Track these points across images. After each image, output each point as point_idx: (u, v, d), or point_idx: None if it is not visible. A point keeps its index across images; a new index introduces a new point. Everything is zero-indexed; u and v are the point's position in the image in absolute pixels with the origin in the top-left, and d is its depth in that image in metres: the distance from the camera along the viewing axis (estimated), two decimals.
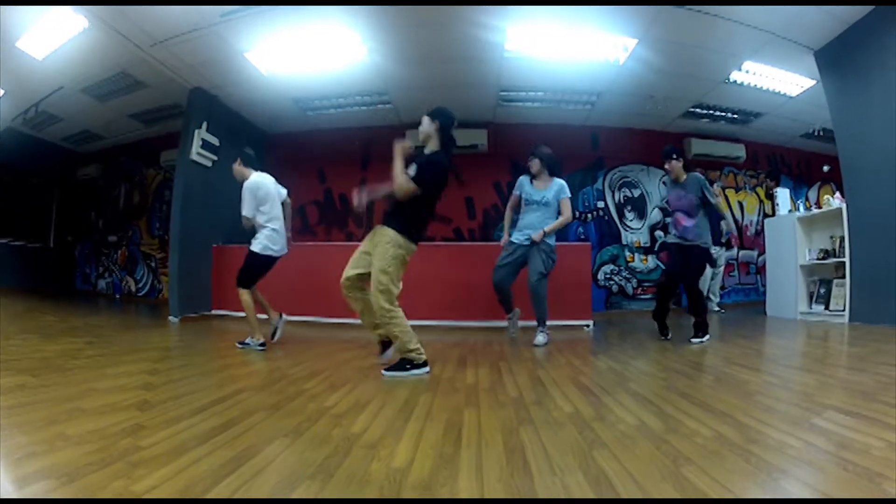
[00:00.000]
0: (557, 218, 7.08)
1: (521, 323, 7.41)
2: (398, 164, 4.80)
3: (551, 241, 7.08)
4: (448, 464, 2.34)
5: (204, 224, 10.42)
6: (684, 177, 7.09)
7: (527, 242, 7.04)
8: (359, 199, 5.05)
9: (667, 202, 7.36)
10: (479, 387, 4.16)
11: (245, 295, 6.59)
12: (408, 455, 2.46)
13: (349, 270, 5.09)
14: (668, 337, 7.06)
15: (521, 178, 7.36)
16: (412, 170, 4.91)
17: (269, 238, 6.63)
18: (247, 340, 6.42)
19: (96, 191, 15.68)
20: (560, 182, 7.22)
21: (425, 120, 5.16)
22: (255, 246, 6.60)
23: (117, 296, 14.82)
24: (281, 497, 1.98)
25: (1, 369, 4.21)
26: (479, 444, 2.64)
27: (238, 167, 6.80)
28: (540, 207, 7.14)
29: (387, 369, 4.75)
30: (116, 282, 15.08)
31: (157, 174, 14.53)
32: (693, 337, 6.73)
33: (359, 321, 5.42)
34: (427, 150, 5.13)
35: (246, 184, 6.61)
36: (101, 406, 3.21)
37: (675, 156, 7.10)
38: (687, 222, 7.01)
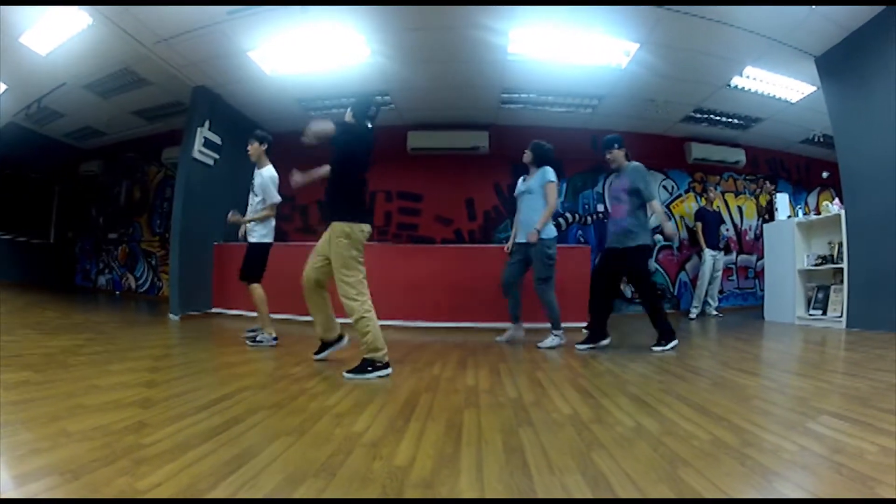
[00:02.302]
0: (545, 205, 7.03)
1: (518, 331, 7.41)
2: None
3: (546, 234, 7.00)
4: (449, 463, 2.37)
5: (205, 222, 10.44)
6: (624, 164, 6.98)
7: (523, 241, 7.11)
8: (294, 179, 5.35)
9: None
10: (478, 388, 4.19)
11: (259, 289, 6.76)
12: (409, 454, 2.48)
13: (308, 271, 5.19)
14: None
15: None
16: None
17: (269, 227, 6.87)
18: (259, 338, 6.52)
19: (97, 187, 15.71)
20: (545, 168, 7.22)
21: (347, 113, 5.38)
22: (255, 237, 6.77)
23: (117, 293, 14.83)
24: (284, 495, 2.00)
25: (4, 364, 4.23)
26: (480, 443, 2.67)
27: (259, 148, 6.90)
28: (524, 197, 7.25)
29: (348, 371, 4.68)
30: (116, 279, 15.10)
31: (159, 171, 14.56)
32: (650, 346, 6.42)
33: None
34: None
35: (268, 172, 6.80)
36: (104, 403, 3.23)
37: (616, 145, 6.94)
38: (618, 216, 6.82)
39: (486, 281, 9.13)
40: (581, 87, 10.59)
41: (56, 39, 8.82)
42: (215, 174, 10.63)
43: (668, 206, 13.15)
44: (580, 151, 12.41)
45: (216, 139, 10.38)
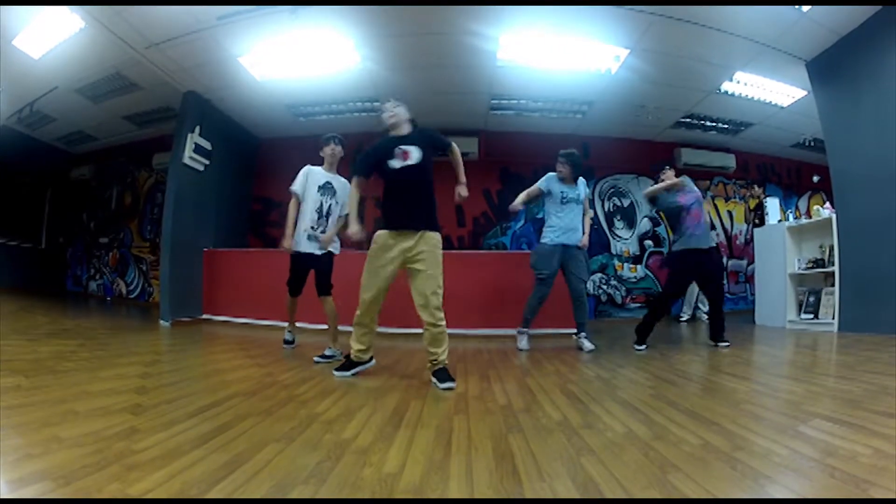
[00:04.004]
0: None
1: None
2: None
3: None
4: (438, 469, 2.38)
5: (195, 228, 10.42)
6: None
7: (570, 243, 7.34)
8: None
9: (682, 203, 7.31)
10: (468, 394, 4.20)
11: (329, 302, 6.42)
12: (399, 460, 2.49)
13: (381, 294, 4.90)
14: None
15: (550, 174, 7.52)
16: (416, 152, 4.85)
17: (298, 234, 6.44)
18: (326, 352, 6.14)
19: (88, 192, 15.67)
20: (582, 180, 7.57)
21: (399, 105, 5.19)
22: (335, 247, 6.54)
23: (108, 298, 14.78)
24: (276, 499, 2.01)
25: None
26: (469, 450, 2.68)
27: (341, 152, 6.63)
28: (572, 206, 7.40)
29: (441, 381, 4.55)
30: (107, 284, 15.05)
31: (150, 176, 14.53)
32: (722, 341, 7.18)
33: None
34: (401, 132, 5.07)
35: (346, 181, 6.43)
36: (95, 409, 3.23)
37: (667, 167, 7.46)
38: (702, 219, 7.27)
39: (473, 287, 9.12)
40: (571, 92, 10.60)
41: (49, 43, 8.80)
42: (206, 180, 10.61)
43: (657, 212, 13.18)
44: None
45: (206, 145, 10.36)
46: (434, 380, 4.59)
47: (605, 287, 12.80)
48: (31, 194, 15.20)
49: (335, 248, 6.49)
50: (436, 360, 4.73)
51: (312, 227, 6.32)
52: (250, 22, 7.89)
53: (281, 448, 2.64)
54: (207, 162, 10.49)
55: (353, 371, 4.97)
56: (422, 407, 3.69)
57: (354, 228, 4.88)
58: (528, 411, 3.56)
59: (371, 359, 5.16)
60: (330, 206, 6.35)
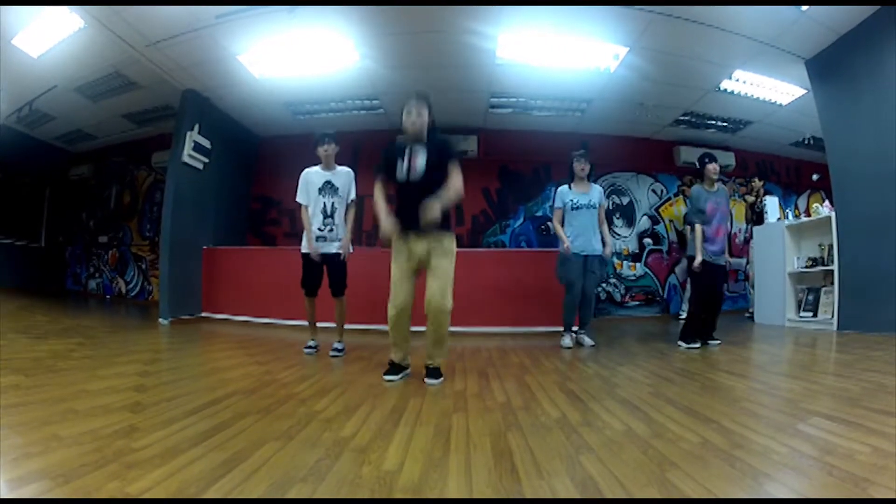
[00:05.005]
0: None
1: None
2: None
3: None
4: (437, 467, 2.38)
5: (194, 226, 10.40)
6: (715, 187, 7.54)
7: (592, 252, 7.41)
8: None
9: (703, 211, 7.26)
10: (467, 392, 4.20)
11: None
12: (398, 458, 2.50)
13: (407, 298, 4.86)
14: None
15: (560, 189, 7.65)
16: (422, 157, 4.74)
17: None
18: (337, 345, 6.40)
19: (88, 191, 15.62)
20: (598, 188, 7.73)
21: (424, 108, 4.82)
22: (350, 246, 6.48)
23: (107, 297, 14.76)
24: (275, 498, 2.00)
25: None
26: (468, 448, 2.68)
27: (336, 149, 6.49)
28: (589, 211, 7.44)
29: (433, 378, 4.66)
30: (107, 283, 15.03)
31: (149, 175, 14.48)
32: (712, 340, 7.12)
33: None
34: (419, 136, 4.83)
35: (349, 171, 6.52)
36: (94, 407, 3.23)
37: (707, 160, 7.41)
38: (723, 235, 7.48)
39: (472, 285, 9.10)
40: (570, 90, 10.58)
41: (48, 42, 8.79)
42: (205, 178, 10.60)
43: (657, 210, 13.19)
44: (569, 155, 12.46)
45: (205, 143, 10.34)
46: (426, 378, 4.68)
47: (604, 285, 12.78)
48: (31, 193, 15.17)
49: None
50: (431, 363, 4.86)
51: (320, 229, 6.24)
52: (249, 21, 7.87)
53: (279, 446, 2.64)
54: (206, 160, 10.47)
55: (401, 375, 4.89)
56: (420, 405, 3.69)
57: (387, 227, 4.77)
58: (526, 409, 3.56)
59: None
60: (333, 203, 6.27)
